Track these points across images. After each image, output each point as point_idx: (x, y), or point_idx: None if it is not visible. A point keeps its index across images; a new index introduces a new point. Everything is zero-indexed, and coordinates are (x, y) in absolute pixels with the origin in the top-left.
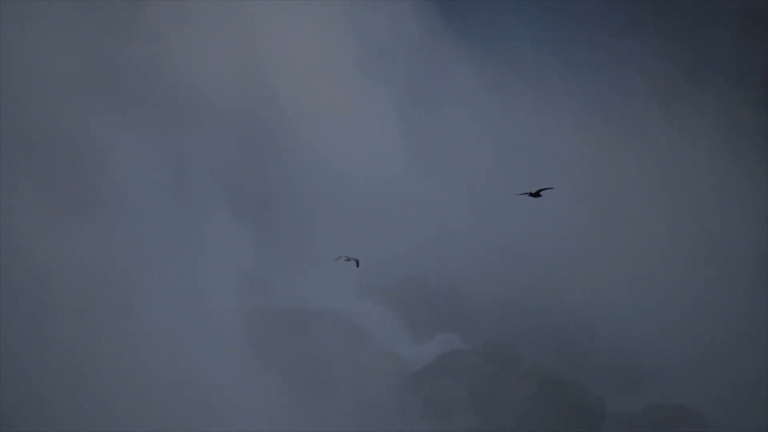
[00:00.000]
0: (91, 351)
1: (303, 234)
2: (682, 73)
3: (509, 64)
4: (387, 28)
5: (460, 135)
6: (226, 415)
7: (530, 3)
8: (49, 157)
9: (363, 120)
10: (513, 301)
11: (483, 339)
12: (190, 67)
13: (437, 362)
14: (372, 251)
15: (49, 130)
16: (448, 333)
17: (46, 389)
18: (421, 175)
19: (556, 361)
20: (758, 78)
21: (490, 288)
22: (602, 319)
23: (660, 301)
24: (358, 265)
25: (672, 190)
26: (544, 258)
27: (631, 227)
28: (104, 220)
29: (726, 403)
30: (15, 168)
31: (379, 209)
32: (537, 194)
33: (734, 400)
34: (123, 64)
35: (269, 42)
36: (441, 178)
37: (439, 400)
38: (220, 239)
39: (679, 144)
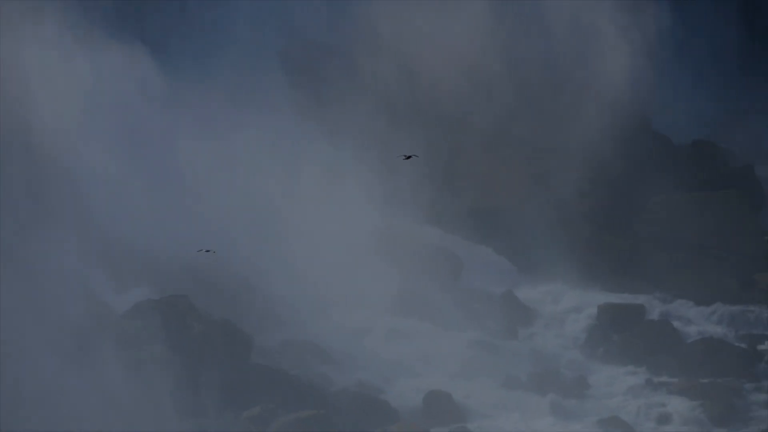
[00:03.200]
0: None
1: None
2: None
3: None
4: None
5: None
6: None
7: None
8: None
9: None
10: (190, 260)
11: (167, 292)
12: None
13: (134, 309)
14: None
15: None
16: (142, 286)
17: None
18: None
19: (221, 307)
20: None
21: (168, 248)
22: (257, 274)
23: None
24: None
25: None
26: (215, 219)
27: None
28: None
29: (349, 333)
30: None
31: None
32: (408, 158)
33: (352, 335)
34: None
35: None
36: None
37: (135, 336)
38: None
39: None
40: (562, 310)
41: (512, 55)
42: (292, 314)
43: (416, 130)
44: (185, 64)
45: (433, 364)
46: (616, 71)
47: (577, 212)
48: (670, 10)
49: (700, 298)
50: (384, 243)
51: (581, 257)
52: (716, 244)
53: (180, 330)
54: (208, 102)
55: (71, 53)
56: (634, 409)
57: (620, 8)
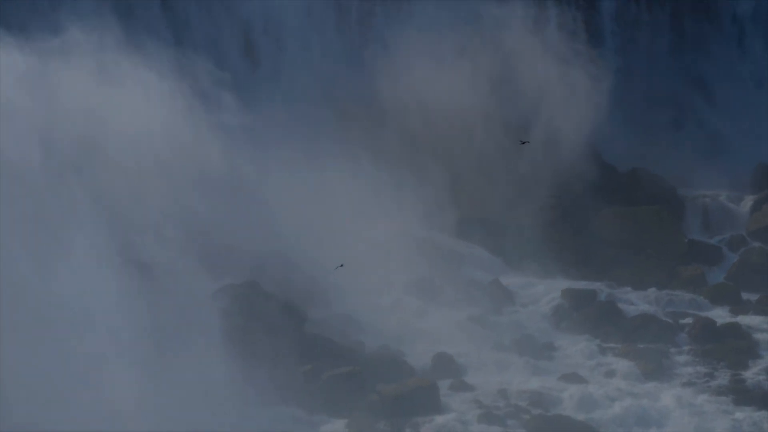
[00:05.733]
0: None
1: None
2: None
3: None
4: None
5: None
6: None
7: None
8: None
9: None
10: (261, 256)
11: (243, 279)
12: None
13: (220, 291)
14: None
15: None
16: (226, 276)
17: None
18: None
19: (283, 291)
20: None
21: (246, 249)
22: (311, 266)
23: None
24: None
25: None
26: (281, 227)
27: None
28: None
29: (377, 309)
30: None
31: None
32: (523, 143)
33: (380, 311)
34: None
35: None
36: None
37: (221, 312)
38: None
39: None
40: (536, 293)
41: (495, 105)
42: (336, 295)
43: (431, 162)
44: (261, 113)
45: (440, 333)
46: (573, 117)
47: (546, 221)
48: (613, 70)
49: (637, 285)
50: (405, 245)
51: (550, 254)
52: (649, 245)
53: (253, 307)
54: (286, 141)
55: (195, 127)
56: (588, 367)
57: (575, 71)
